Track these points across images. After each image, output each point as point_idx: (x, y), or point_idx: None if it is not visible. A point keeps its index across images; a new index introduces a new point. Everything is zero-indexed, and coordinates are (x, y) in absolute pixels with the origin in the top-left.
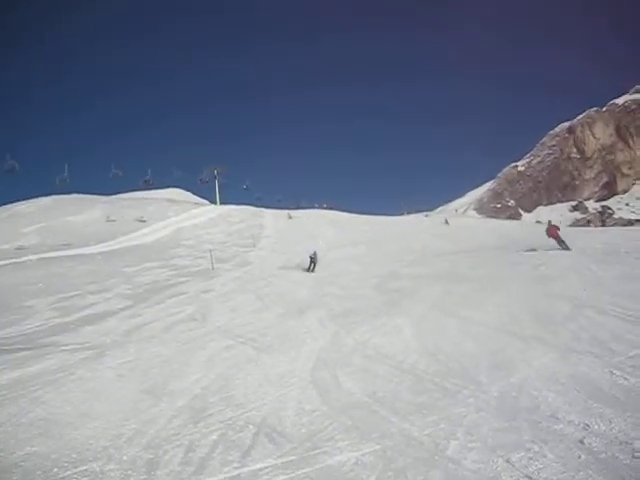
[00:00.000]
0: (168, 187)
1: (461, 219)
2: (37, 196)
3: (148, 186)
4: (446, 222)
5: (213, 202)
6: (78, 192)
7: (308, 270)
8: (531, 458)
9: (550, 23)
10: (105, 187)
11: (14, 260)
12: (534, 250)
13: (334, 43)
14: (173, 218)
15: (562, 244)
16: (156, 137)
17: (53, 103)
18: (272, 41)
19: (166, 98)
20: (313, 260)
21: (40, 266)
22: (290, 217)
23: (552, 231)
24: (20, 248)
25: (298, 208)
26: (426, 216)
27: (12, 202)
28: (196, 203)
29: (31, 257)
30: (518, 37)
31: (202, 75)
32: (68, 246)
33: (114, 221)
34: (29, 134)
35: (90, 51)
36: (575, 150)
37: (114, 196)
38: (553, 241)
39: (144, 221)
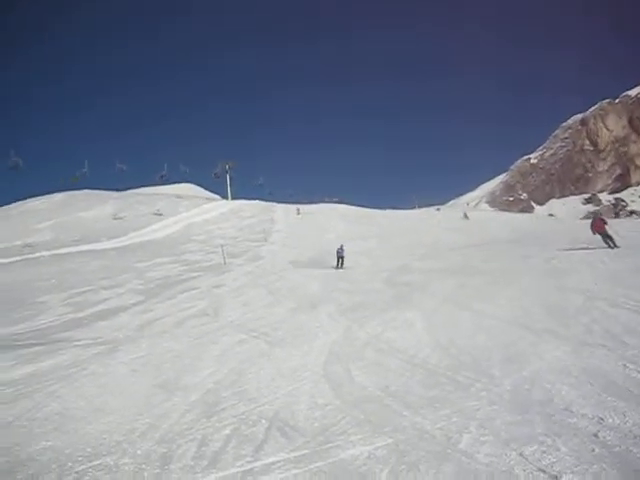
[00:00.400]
0: (179, 182)
1: (475, 212)
2: (46, 193)
3: (164, 181)
4: (465, 216)
5: (224, 197)
6: (90, 188)
7: (337, 267)
8: (544, 451)
9: (562, 18)
10: (116, 182)
11: (27, 256)
12: (568, 250)
13: (339, 43)
14: (184, 213)
15: (609, 241)
16: (168, 133)
17: (59, 101)
18: (287, 38)
19: (179, 94)
20: (340, 255)
21: (53, 262)
22: (298, 213)
23: (598, 225)
24: (32, 245)
25: (310, 203)
26: (437, 210)
27: (24, 198)
28: (207, 198)
29: (44, 253)
30: (533, 35)
31: (213, 72)
32: (80, 242)
33: (124, 217)
34: (36, 131)
35: (95, 50)
36: (588, 142)
37: (125, 192)
38: (597, 237)
39: (160, 214)
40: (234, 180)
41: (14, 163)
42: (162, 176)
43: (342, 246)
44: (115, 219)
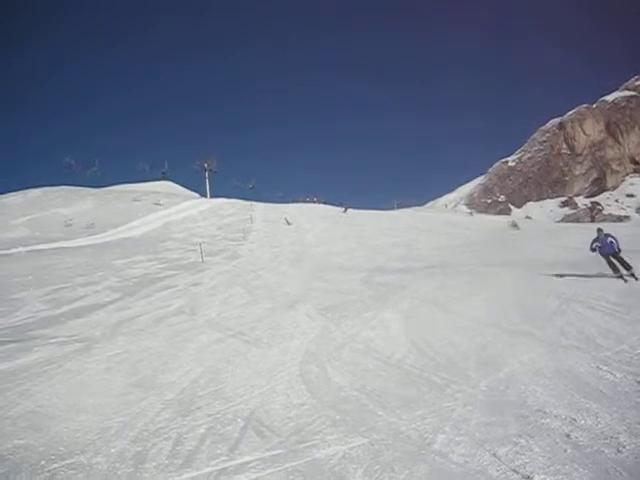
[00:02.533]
0: (157, 180)
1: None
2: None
3: (165, 177)
4: (514, 225)
5: (203, 195)
6: (67, 184)
7: (621, 274)
8: (517, 452)
9: (540, 19)
10: (94, 179)
11: (3, 252)
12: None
13: (334, 42)
14: (163, 211)
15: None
16: (150, 131)
17: (48, 99)
18: (271, 38)
19: (162, 92)
20: (609, 253)
21: (29, 258)
22: (288, 222)
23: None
24: (9, 240)
25: (292, 202)
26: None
27: (0, 194)
28: (186, 196)
29: (20, 249)
30: (507, 33)
31: (198, 70)
32: (57, 238)
33: (102, 214)
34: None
35: (90, 48)
36: (565, 146)
37: (103, 188)
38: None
39: (138, 212)
40: (215, 178)
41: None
42: (164, 172)
43: (608, 237)
44: (93, 215)
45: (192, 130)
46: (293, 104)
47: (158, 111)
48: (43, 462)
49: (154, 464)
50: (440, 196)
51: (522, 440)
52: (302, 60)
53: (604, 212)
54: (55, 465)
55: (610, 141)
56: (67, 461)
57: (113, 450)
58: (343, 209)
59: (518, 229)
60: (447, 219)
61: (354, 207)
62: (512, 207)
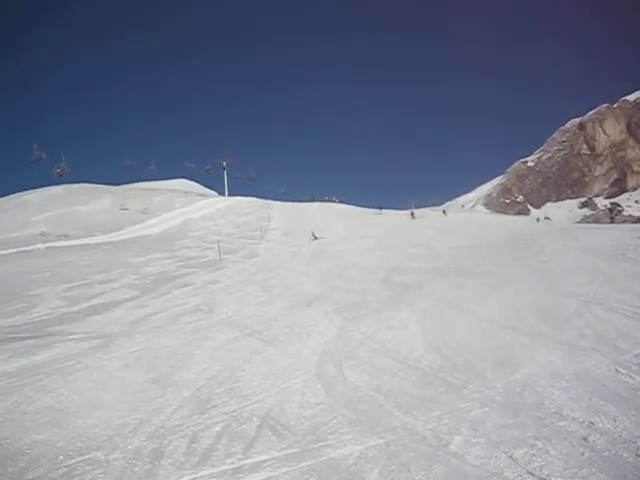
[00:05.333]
0: (176, 178)
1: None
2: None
3: (152, 176)
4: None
5: (221, 193)
6: (87, 181)
7: None
8: (534, 455)
9: (562, 21)
10: (115, 177)
11: (23, 248)
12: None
13: (336, 40)
14: (181, 209)
15: None
16: (167, 127)
17: (55, 93)
18: (282, 34)
19: (179, 88)
20: None
21: (48, 255)
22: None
23: None
24: (29, 236)
25: (312, 201)
26: (537, 220)
27: (21, 191)
28: (204, 194)
29: (40, 246)
30: (529, 35)
31: (213, 65)
32: (76, 235)
33: (121, 212)
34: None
35: (90, 42)
36: (585, 146)
37: (123, 186)
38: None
39: (157, 210)
40: (230, 176)
41: (37, 157)
42: (150, 170)
43: None
44: (112, 213)
45: (208, 126)
46: (311, 101)
47: (173, 107)
48: (61, 457)
49: (170, 461)
50: (458, 196)
51: (539, 443)
52: (321, 55)
53: (624, 213)
54: (73, 461)
55: (631, 141)
56: (85, 457)
57: (130, 447)
58: (410, 214)
59: (544, 223)
60: (466, 219)
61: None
62: (530, 207)
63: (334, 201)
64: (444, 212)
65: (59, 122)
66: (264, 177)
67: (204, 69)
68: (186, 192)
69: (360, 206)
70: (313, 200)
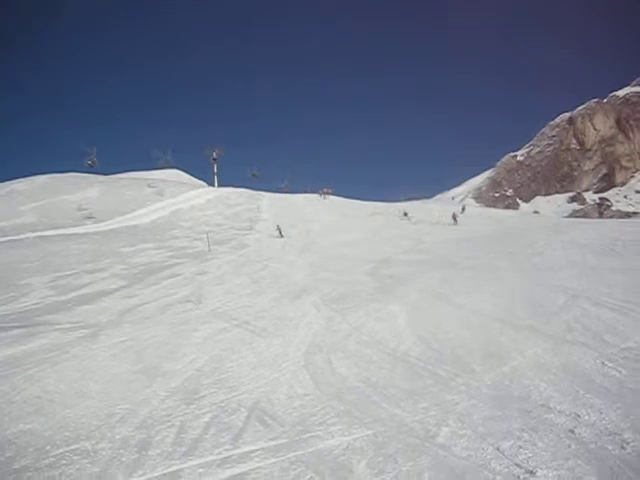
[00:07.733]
0: (166, 168)
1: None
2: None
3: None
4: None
5: (211, 184)
6: (75, 171)
7: None
8: (521, 446)
9: (551, 15)
10: (103, 166)
11: (11, 238)
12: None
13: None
14: (170, 199)
15: None
16: (157, 118)
17: (51, 85)
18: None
19: (170, 79)
20: None
21: (37, 244)
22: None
23: None
24: (17, 226)
25: (299, 193)
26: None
27: (8, 180)
28: (194, 185)
29: (28, 235)
30: (519, 29)
31: (207, 58)
32: (65, 225)
33: (109, 201)
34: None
35: (84, 34)
36: (575, 141)
37: (111, 176)
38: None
39: (146, 199)
40: (223, 167)
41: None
42: (90, 164)
43: None
44: (101, 202)
45: (198, 118)
46: (304, 94)
47: (166, 98)
48: (48, 447)
49: (158, 451)
50: (448, 189)
51: (525, 435)
52: (315, 51)
53: (612, 208)
54: (60, 450)
55: (620, 137)
56: (72, 446)
57: (118, 436)
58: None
59: (540, 217)
60: (455, 212)
61: (368, 200)
62: (520, 201)
63: (325, 192)
64: (463, 209)
65: (50, 115)
66: (267, 172)
67: (201, 62)
68: (176, 182)
69: (351, 198)
70: (306, 192)
